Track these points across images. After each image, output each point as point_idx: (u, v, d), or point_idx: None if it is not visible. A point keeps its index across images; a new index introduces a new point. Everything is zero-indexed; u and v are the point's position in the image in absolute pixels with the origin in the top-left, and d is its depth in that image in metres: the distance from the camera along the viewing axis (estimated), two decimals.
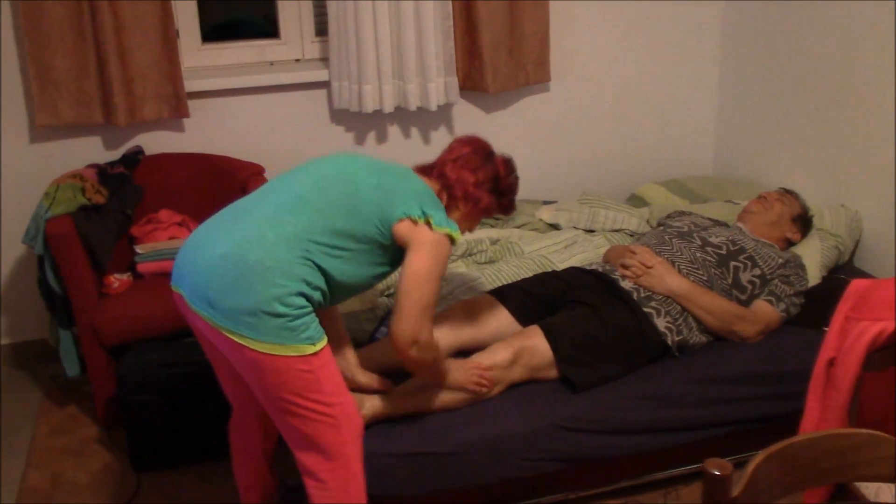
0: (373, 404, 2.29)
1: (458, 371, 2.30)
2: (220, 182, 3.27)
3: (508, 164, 2.26)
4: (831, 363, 1.89)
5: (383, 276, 2.13)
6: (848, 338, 1.84)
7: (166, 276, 3.03)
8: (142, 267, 3.07)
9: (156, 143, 3.35)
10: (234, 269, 1.90)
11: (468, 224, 2.24)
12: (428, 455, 2.27)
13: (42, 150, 3.25)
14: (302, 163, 2.16)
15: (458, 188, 2.16)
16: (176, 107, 3.24)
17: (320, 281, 1.96)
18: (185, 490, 2.73)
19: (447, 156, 2.22)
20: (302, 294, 1.92)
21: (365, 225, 2.00)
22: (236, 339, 1.90)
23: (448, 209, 2.16)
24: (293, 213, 1.97)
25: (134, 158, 3.26)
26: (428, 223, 2.01)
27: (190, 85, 3.28)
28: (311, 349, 1.91)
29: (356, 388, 2.30)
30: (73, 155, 3.27)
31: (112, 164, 3.21)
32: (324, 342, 1.95)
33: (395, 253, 2.08)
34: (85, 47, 3.08)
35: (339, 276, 2.00)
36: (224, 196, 3.22)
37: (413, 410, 2.33)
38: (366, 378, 2.36)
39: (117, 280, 3.00)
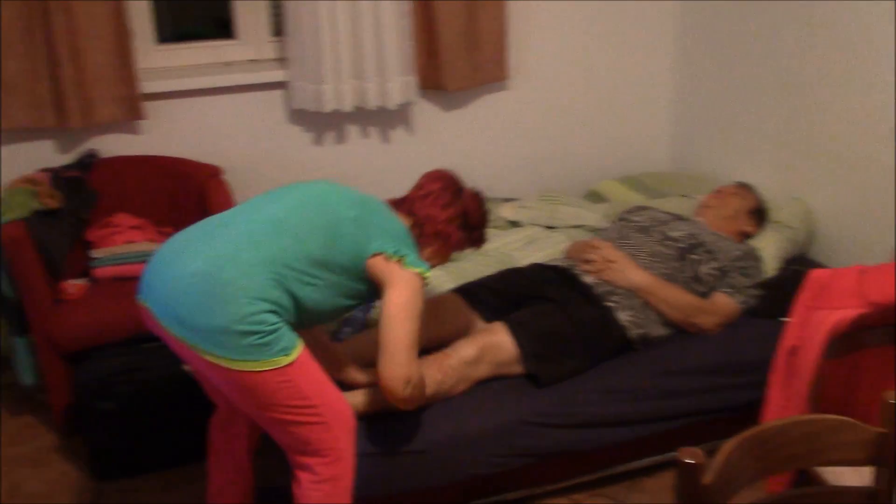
0: (355, 401, 2.28)
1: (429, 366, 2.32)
2: (178, 184, 3.23)
3: (477, 198, 2.27)
4: (792, 352, 1.93)
5: (350, 308, 2.14)
6: (808, 326, 1.88)
7: (124, 280, 3.01)
8: (98, 272, 3.02)
9: (111, 145, 3.29)
10: (207, 287, 1.88)
11: (439, 259, 2.25)
12: (397, 454, 2.27)
13: None
14: (279, 185, 2.16)
15: (428, 225, 2.17)
16: (131, 109, 3.19)
17: (290, 305, 1.95)
18: (145, 497, 2.69)
19: (416, 192, 2.22)
20: (273, 312, 1.90)
21: (341, 255, 2.00)
22: (208, 358, 1.88)
23: (420, 245, 2.17)
24: (270, 235, 1.96)
25: (88, 162, 3.20)
26: (400, 261, 2.01)
27: (145, 86, 3.23)
28: (286, 360, 1.90)
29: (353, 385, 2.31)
30: (26, 159, 3.19)
31: (66, 167, 3.15)
32: (299, 348, 1.94)
33: (366, 287, 2.08)
34: (37, 49, 3.01)
35: (309, 304, 1.99)
36: (182, 199, 3.21)
37: (381, 408, 2.32)
38: (364, 375, 2.37)
39: (73, 286, 2.95)
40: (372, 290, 2.10)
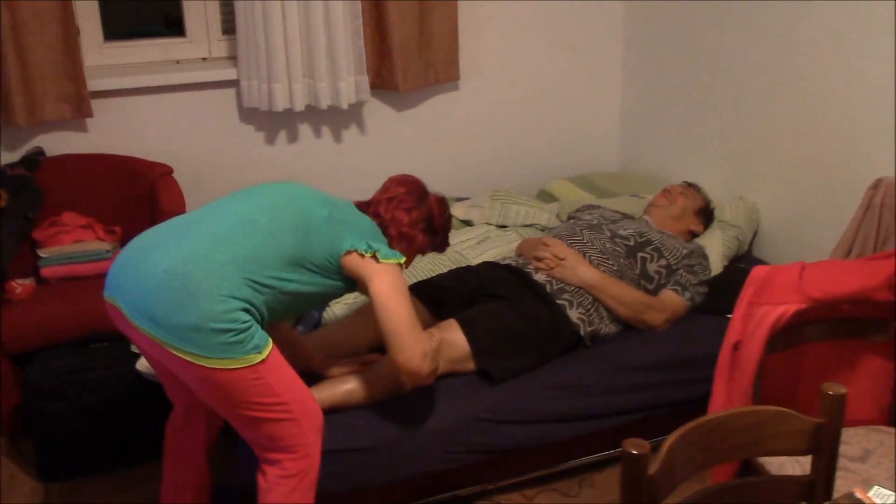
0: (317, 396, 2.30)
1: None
2: (128, 183, 3.20)
3: (442, 202, 2.31)
4: (736, 347, 1.98)
5: (324, 303, 2.17)
6: (751, 322, 1.93)
7: (72, 280, 2.97)
8: (45, 271, 2.98)
9: (58, 144, 3.25)
10: (179, 286, 1.88)
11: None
12: (351, 451, 2.28)
13: None
14: (230, 185, 2.17)
15: (392, 228, 2.20)
16: (78, 106, 3.15)
17: (261, 304, 1.96)
18: (94, 498, 2.66)
19: (381, 195, 2.25)
20: (246, 310, 1.92)
21: (314, 254, 2.03)
22: (180, 355, 1.88)
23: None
24: (243, 235, 1.97)
25: (34, 160, 3.15)
26: (374, 257, 2.06)
27: (93, 84, 3.19)
28: (258, 357, 1.91)
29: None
30: None
31: (11, 165, 3.10)
32: (269, 346, 1.96)
33: (341, 284, 2.12)
34: None
35: (283, 301, 2.01)
36: (131, 198, 3.18)
37: (337, 404, 2.33)
38: (336, 369, 2.41)
39: (20, 286, 2.90)
40: (347, 286, 2.14)
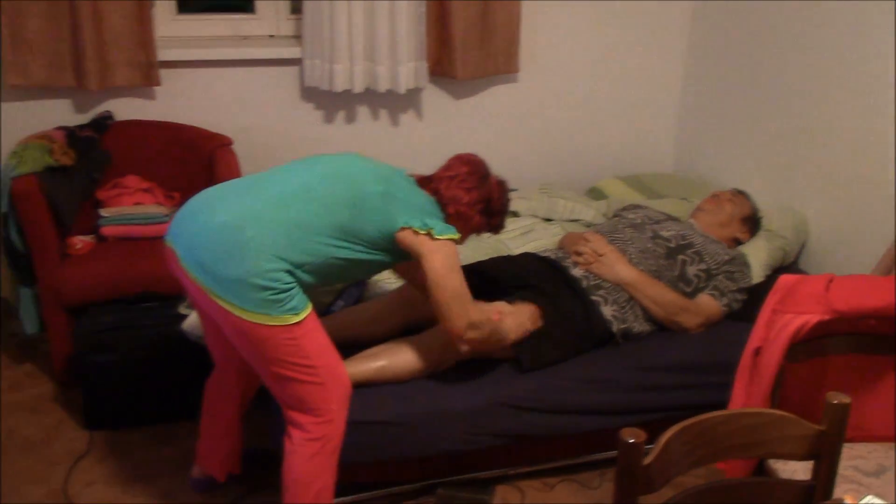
0: (352, 370, 2.37)
1: (513, 315, 2.43)
2: (188, 151, 3.31)
3: (502, 185, 2.36)
4: (757, 353, 1.99)
5: (374, 272, 2.28)
6: (773, 329, 1.94)
7: (130, 240, 3.10)
8: (106, 230, 3.11)
9: (126, 109, 3.39)
10: (231, 239, 1.99)
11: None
12: (373, 424, 2.35)
13: (11, 111, 3.28)
14: (313, 155, 2.26)
15: (451, 206, 2.25)
16: (148, 74, 3.28)
17: (312, 267, 2.05)
18: (137, 449, 2.79)
19: (444, 172, 2.30)
20: (290, 272, 2.01)
21: (367, 227, 2.11)
22: (223, 305, 1.99)
23: None
24: (300, 201, 2.07)
25: (103, 123, 3.29)
26: (429, 234, 2.12)
27: (163, 54, 3.31)
28: (294, 319, 2.00)
29: None
30: (43, 117, 3.29)
31: (81, 127, 3.24)
32: (307, 310, 2.04)
33: (390, 259, 2.21)
34: (59, 10, 3.10)
35: (333, 267, 2.10)
36: (191, 166, 3.29)
37: (368, 379, 2.41)
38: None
39: (81, 241, 3.04)
40: (395, 259, 2.21)
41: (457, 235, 2.17)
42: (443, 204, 2.25)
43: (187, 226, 2.07)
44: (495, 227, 2.38)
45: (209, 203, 2.09)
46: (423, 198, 2.23)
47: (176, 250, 2.07)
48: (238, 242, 1.98)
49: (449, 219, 2.25)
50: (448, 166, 2.32)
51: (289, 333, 2.01)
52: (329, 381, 2.11)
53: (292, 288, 2.01)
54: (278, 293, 1.98)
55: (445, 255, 2.12)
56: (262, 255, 1.98)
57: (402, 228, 2.13)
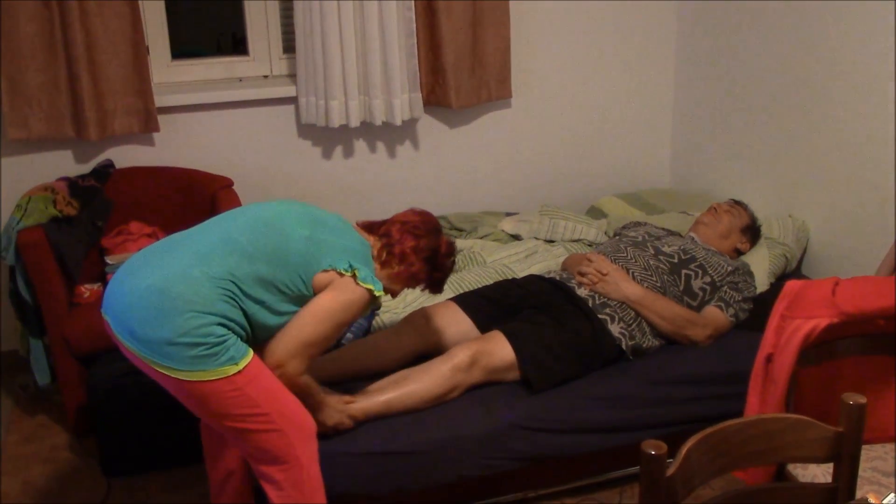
0: (355, 407, 2.38)
1: (327, 411, 2.32)
2: (190, 195, 3.34)
3: (450, 246, 2.34)
4: (769, 359, 2.00)
5: None
6: (783, 335, 1.95)
7: None
8: (112, 277, 3.12)
9: (126, 156, 3.42)
10: (157, 301, 1.95)
11: (395, 286, 2.28)
12: (391, 455, 2.36)
13: (13, 164, 3.31)
14: (287, 197, 2.23)
15: (397, 247, 2.23)
16: (146, 121, 3.32)
17: (241, 320, 2.02)
18: (154, 495, 2.79)
19: (398, 217, 2.30)
20: (222, 325, 1.97)
21: (288, 275, 2.06)
22: (159, 369, 1.96)
23: (384, 264, 2.23)
24: (222, 254, 2.03)
25: (105, 172, 3.32)
26: (353, 276, 2.08)
27: (160, 100, 3.35)
28: (234, 369, 1.96)
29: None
30: (45, 168, 3.33)
31: (83, 177, 3.27)
32: (248, 358, 1.99)
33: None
34: (56, 63, 3.14)
35: (260, 320, 2.06)
36: (193, 208, 3.31)
37: (377, 413, 2.41)
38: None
39: (88, 290, 3.06)
40: None
41: (379, 291, 2.12)
42: (390, 245, 2.23)
43: (115, 294, 2.03)
44: (435, 283, 2.33)
45: (134, 269, 2.05)
46: (357, 242, 2.18)
47: (108, 320, 2.05)
48: (163, 304, 1.94)
49: (392, 260, 2.22)
50: (403, 214, 2.32)
51: (231, 385, 1.96)
52: (285, 425, 2.05)
53: (226, 339, 1.96)
54: (211, 347, 1.93)
55: (347, 302, 2.07)
56: (188, 312, 1.93)
57: (325, 271, 2.09)
